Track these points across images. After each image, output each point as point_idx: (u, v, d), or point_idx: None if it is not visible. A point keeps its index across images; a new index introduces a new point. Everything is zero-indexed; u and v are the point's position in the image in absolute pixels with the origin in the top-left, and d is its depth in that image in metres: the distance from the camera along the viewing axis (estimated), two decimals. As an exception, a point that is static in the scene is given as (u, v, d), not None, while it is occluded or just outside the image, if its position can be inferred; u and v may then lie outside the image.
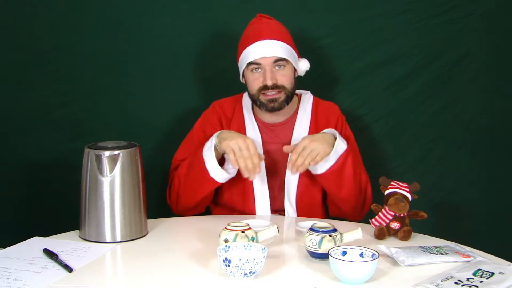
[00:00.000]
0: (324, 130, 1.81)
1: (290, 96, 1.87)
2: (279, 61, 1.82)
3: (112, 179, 1.54)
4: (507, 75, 2.30)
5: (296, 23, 2.09)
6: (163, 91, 2.25)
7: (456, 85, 2.30)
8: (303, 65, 1.92)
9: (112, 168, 1.53)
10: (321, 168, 1.75)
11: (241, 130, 1.91)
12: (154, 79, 2.25)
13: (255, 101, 1.87)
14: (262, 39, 1.82)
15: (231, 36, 2.21)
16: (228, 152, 1.71)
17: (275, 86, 1.82)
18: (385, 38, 2.26)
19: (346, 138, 1.91)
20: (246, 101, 1.96)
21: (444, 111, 2.31)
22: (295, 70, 1.89)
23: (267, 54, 1.80)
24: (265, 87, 1.82)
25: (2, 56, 2.19)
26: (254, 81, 1.84)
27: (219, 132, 1.78)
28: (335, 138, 1.75)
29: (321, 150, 1.70)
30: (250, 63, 1.83)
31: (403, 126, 2.32)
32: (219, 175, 1.76)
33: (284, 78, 1.84)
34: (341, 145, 1.75)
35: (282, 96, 1.84)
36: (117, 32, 2.21)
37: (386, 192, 1.61)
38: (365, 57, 2.27)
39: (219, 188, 1.85)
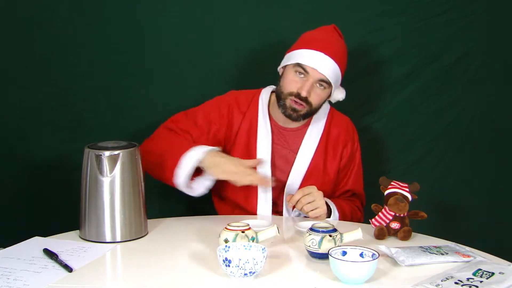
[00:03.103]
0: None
1: (310, 114, 1.87)
2: (324, 82, 1.80)
3: (112, 179, 1.53)
4: (507, 75, 2.31)
5: (296, 23, 2.09)
6: (163, 91, 2.25)
7: (456, 85, 2.30)
8: (339, 94, 1.91)
9: (112, 168, 1.53)
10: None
11: (253, 126, 1.90)
12: (154, 79, 2.25)
13: (280, 99, 1.85)
14: (325, 53, 1.79)
15: (231, 36, 2.22)
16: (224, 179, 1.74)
17: (304, 99, 1.80)
18: (385, 38, 2.26)
19: (353, 160, 1.97)
20: (263, 98, 1.94)
21: (444, 111, 2.31)
22: (329, 95, 1.89)
23: (319, 69, 1.78)
24: (297, 95, 1.80)
25: (2, 56, 2.19)
26: (292, 83, 1.82)
27: (210, 148, 1.76)
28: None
29: (321, 210, 1.76)
30: (299, 65, 1.80)
31: (403, 126, 2.32)
32: (181, 185, 1.74)
33: (317, 98, 1.82)
34: (334, 217, 1.82)
35: (303, 110, 1.83)
36: (117, 32, 2.20)
37: (386, 192, 1.61)
38: (365, 57, 2.27)
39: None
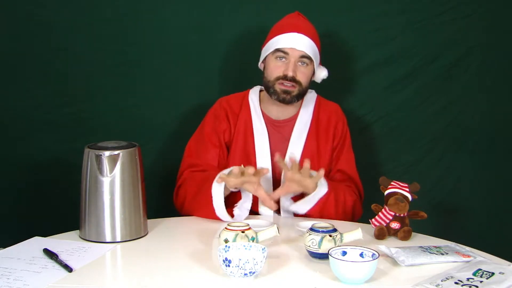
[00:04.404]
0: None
1: (302, 94, 1.90)
2: (305, 58, 1.85)
3: (112, 179, 1.53)
4: (507, 75, 2.31)
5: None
6: (163, 91, 2.25)
7: (456, 85, 2.30)
8: (322, 73, 1.95)
9: (112, 168, 1.53)
10: (301, 210, 1.80)
11: (248, 124, 1.93)
12: (154, 79, 2.25)
13: (269, 88, 1.89)
14: (298, 32, 1.85)
15: (231, 36, 2.22)
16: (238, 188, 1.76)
17: (292, 79, 1.84)
18: (385, 38, 2.26)
19: (344, 141, 1.97)
20: (253, 98, 1.98)
21: (444, 111, 2.31)
22: (313, 73, 1.92)
23: (297, 47, 1.83)
24: (284, 77, 1.85)
25: (2, 56, 2.19)
26: (275, 69, 1.87)
27: (229, 170, 1.78)
28: None
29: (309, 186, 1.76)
30: (278, 50, 1.85)
31: (403, 126, 2.32)
32: (225, 217, 1.75)
33: (303, 76, 1.87)
34: (321, 189, 1.77)
35: (295, 91, 1.87)
36: (117, 32, 2.21)
37: (386, 192, 1.61)
38: (365, 57, 2.27)
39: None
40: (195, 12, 2.22)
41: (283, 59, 1.86)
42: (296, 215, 1.84)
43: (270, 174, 1.88)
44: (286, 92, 1.86)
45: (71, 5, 2.18)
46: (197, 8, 2.22)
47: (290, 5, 2.21)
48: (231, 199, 1.80)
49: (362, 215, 1.97)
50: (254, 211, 1.88)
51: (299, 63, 1.86)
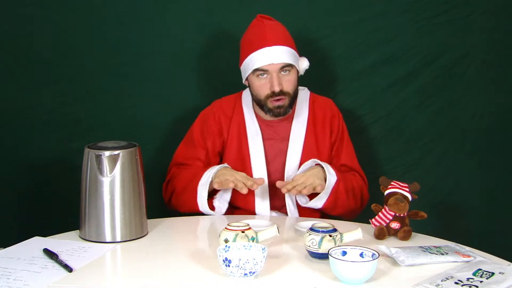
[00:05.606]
0: (307, 163, 1.86)
1: (293, 101, 1.91)
2: (286, 67, 1.85)
3: (112, 179, 1.54)
4: (507, 75, 2.30)
5: (296, 23, 2.09)
6: (163, 91, 2.25)
7: (456, 85, 2.30)
8: (303, 64, 1.94)
9: (112, 168, 1.53)
10: (318, 205, 1.84)
11: (242, 126, 1.94)
12: (154, 79, 2.25)
13: (262, 106, 1.90)
14: (269, 45, 1.84)
15: (230, 36, 2.22)
16: (224, 187, 1.79)
17: (281, 93, 1.84)
18: (385, 38, 2.25)
19: (342, 136, 1.98)
20: (246, 99, 1.99)
21: (444, 111, 2.31)
22: (297, 72, 1.92)
23: (274, 61, 1.83)
24: (272, 94, 1.85)
25: (2, 56, 2.19)
26: (262, 88, 1.87)
27: (218, 167, 1.83)
28: (323, 169, 1.82)
29: (318, 185, 1.76)
30: (256, 69, 1.85)
31: (403, 126, 2.32)
32: (207, 211, 1.83)
33: (289, 84, 1.87)
34: (331, 179, 1.81)
35: (286, 103, 1.87)
36: (117, 32, 2.21)
37: (386, 192, 1.61)
38: (365, 57, 2.27)
39: None
40: (195, 13, 2.22)
41: (265, 75, 1.85)
42: (307, 214, 1.86)
43: (266, 177, 1.89)
44: (278, 107, 1.87)
45: (71, 5, 2.18)
46: (197, 9, 2.22)
47: (290, 5, 2.22)
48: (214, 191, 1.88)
49: (364, 213, 1.97)
50: (251, 211, 1.88)
51: (282, 73, 1.85)
